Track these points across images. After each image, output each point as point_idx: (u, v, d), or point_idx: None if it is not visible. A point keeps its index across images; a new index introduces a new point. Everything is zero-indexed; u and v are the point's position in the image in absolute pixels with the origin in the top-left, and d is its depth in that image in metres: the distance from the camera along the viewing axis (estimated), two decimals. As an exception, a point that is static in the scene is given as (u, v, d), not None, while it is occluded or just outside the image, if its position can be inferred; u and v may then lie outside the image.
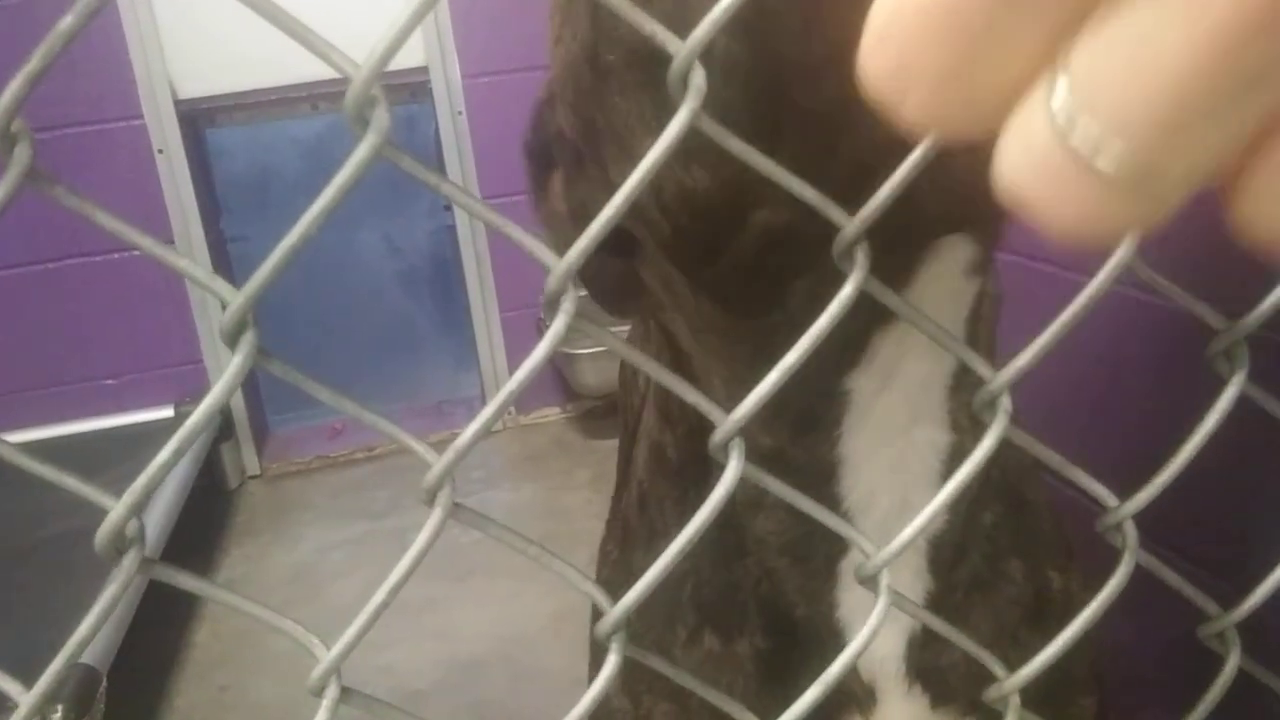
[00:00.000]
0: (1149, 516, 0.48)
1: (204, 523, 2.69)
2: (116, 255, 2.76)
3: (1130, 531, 0.47)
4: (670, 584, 0.61)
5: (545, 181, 0.71)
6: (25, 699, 0.37)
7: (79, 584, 1.82)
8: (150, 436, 2.64)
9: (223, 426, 2.89)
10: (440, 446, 0.42)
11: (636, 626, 0.48)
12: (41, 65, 0.34)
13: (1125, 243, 0.44)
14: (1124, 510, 0.45)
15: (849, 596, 0.66)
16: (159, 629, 2.20)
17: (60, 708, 1.56)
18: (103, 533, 0.35)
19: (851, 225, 0.42)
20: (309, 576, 2.47)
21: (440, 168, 2.83)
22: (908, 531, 0.47)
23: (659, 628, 0.73)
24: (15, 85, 0.34)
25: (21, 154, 0.34)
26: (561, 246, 0.38)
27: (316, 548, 2.61)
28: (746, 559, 0.70)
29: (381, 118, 0.37)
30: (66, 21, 0.34)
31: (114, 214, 0.37)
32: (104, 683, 1.67)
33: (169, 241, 2.78)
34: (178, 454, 0.36)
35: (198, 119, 2.91)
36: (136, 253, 2.86)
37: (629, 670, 0.44)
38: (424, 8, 0.37)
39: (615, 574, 0.85)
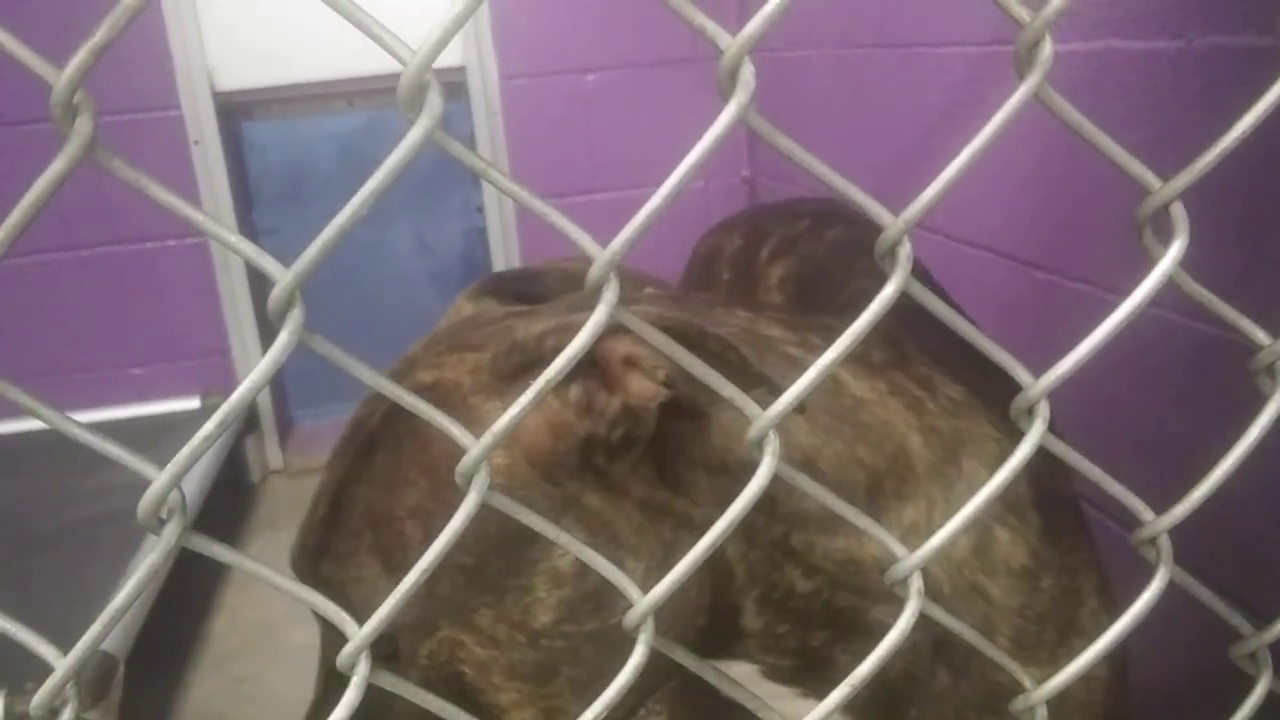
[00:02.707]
0: (1178, 539, 0.48)
1: (225, 516, 2.70)
2: (150, 244, 2.78)
3: (1165, 546, 0.46)
4: None
5: None
6: (62, 664, 0.37)
7: (104, 567, 1.84)
8: (177, 426, 2.65)
9: (247, 419, 2.91)
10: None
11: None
12: (107, 38, 0.34)
13: (1168, 257, 0.44)
14: (1160, 524, 0.45)
15: None
16: (177, 619, 2.21)
17: (78, 692, 1.56)
18: (145, 502, 0.36)
19: (894, 226, 0.42)
20: (327, 571, 2.48)
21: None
22: (938, 538, 0.47)
23: None
24: (80, 57, 0.34)
25: (83, 125, 0.35)
26: None
27: (336, 543, 2.62)
28: None
29: (434, 102, 0.37)
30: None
31: (149, 204, 0.38)
32: (121, 669, 1.68)
33: (200, 234, 2.78)
34: (221, 426, 0.36)
35: (235, 111, 2.94)
36: (170, 243, 2.90)
37: None
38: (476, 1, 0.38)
39: None
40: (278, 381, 3.16)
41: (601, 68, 2.94)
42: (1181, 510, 0.45)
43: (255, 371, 0.38)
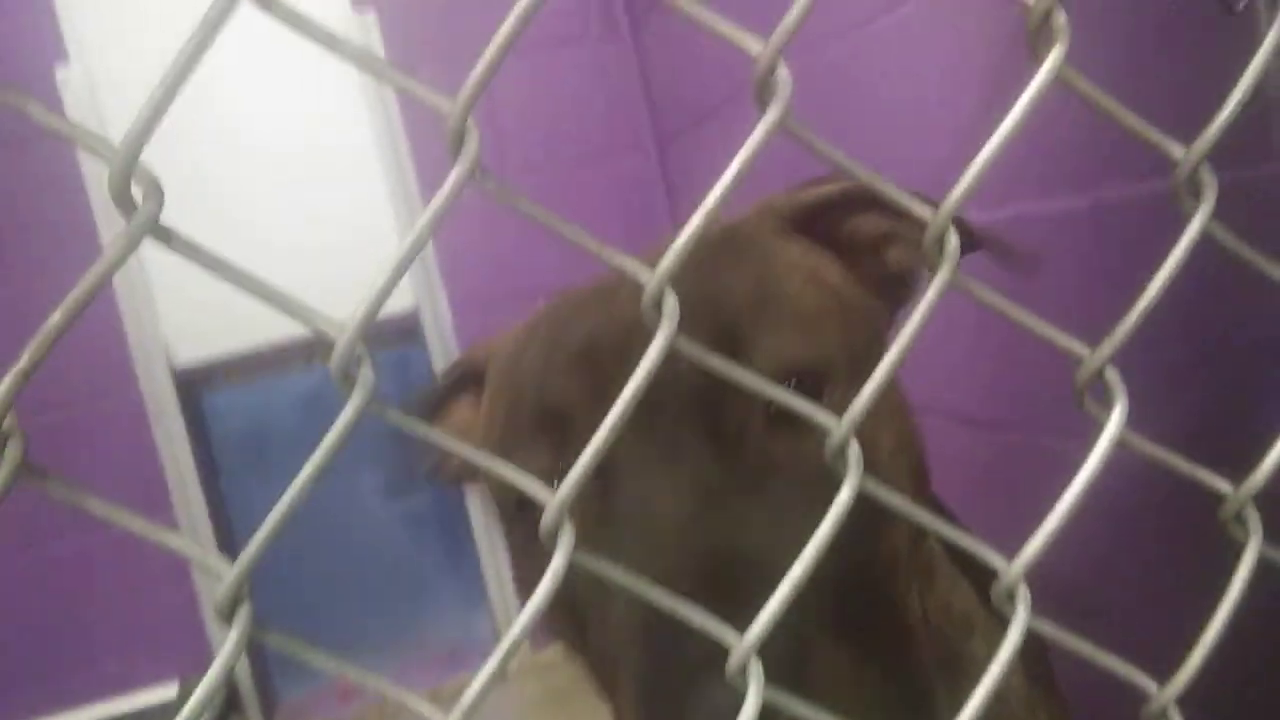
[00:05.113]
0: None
1: (213, 806, 2.55)
2: (116, 531, 2.73)
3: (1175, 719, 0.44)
4: None
5: None
6: None
7: None
8: (155, 717, 2.55)
9: (229, 700, 2.78)
10: (455, 693, 0.40)
11: None
12: (31, 363, 0.35)
13: (1111, 423, 0.44)
14: (1166, 695, 0.43)
15: None
16: None
17: None
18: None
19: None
20: None
21: (435, 408, 2.83)
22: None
23: None
24: (6, 384, 0.34)
25: (13, 451, 0.34)
26: None
27: (331, 820, 2.47)
28: None
29: (366, 376, 0.37)
30: (54, 319, 0.35)
31: (109, 489, 0.37)
32: None
33: (166, 507, 2.76)
34: (176, 741, 0.35)
35: (195, 384, 2.95)
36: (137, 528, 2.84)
37: None
38: (405, 262, 0.38)
39: None
40: (258, 655, 3.05)
41: (553, 289, 3.00)
42: (1183, 679, 0.43)
43: (210, 673, 0.37)
